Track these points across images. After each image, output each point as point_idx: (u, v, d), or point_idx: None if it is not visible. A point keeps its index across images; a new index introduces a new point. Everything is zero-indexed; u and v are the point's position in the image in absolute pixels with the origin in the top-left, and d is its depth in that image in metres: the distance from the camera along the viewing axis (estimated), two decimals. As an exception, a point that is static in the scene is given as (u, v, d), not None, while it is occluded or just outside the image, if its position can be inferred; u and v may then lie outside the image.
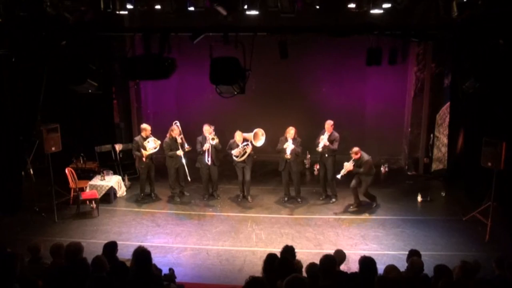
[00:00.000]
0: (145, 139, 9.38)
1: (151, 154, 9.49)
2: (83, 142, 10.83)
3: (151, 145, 9.40)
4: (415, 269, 4.82)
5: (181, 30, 6.92)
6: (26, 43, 7.00)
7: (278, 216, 8.96)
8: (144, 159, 9.41)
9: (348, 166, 8.83)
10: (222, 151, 9.76)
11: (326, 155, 9.33)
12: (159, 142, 9.45)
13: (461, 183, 9.96)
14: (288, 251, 5.21)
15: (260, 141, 9.40)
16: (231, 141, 9.45)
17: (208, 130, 9.37)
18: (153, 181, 9.86)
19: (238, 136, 9.38)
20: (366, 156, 8.84)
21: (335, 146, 9.22)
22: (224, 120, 11.71)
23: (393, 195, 9.91)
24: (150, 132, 9.48)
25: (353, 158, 8.85)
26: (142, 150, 9.35)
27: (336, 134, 9.28)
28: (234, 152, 9.35)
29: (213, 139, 9.33)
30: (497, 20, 6.48)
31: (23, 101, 8.89)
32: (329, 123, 9.26)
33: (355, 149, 8.86)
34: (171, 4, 7.07)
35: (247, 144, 9.35)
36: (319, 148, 9.30)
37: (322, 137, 9.26)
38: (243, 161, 9.39)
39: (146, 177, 9.68)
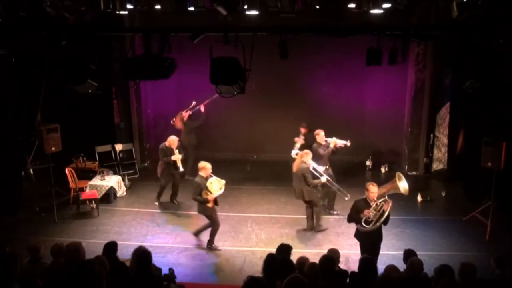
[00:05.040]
0: (206, 179, 7.58)
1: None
2: (83, 142, 10.84)
3: (216, 187, 7.55)
4: (415, 269, 4.81)
5: (181, 30, 6.91)
6: (26, 43, 7.00)
7: (278, 216, 8.95)
8: (210, 204, 7.55)
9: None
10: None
11: (327, 167, 8.96)
12: (223, 181, 7.69)
13: (461, 183, 9.96)
14: (284, 249, 5.23)
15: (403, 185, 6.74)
16: (359, 202, 6.46)
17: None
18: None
19: (373, 189, 6.41)
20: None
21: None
22: (224, 120, 11.74)
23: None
24: (211, 170, 7.68)
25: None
26: (207, 193, 7.45)
27: None
28: (370, 213, 6.30)
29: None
30: (497, 20, 6.48)
31: (23, 101, 8.89)
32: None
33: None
34: (171, 4, 7.07)
35: (385, 200, 6.42)
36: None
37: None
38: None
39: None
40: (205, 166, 7.61)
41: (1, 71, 8.26)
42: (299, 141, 9.79)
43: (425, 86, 11.12)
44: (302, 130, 9.92)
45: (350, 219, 6.52)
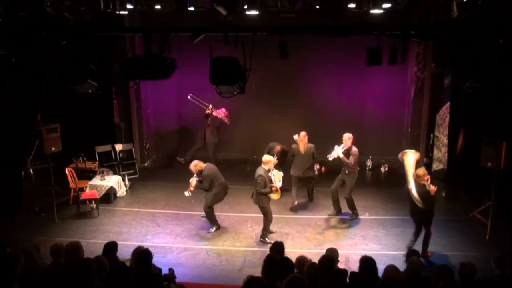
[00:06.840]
0: (268, 172, 7.90)
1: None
2: (83, 142, 10.84)
3: (277, 178, 8.04)
4: (415, 269, 4.82)
5: (181, 30, 6.90)
6: (26, 43, 7.00)
7: (278, 216, 8.93)
8: (276, 195, 7.99)
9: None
10: None
11: (347, 172, 8.54)
12: (281, 173, 8.24)
13: (461, 183, 9.96)
14: (277, 247, 5.27)
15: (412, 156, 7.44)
16: (425, 189, 6.95)
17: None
18: None
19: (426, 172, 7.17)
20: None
21: (351, 160, 8.37)
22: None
23: (393, 195, 9.90)
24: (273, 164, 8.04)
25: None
26: (272, 186, 7.82)
27: (355, 149, 8.45)
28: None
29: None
30: (497, 20, 6.48)
31: (23, 101, 8.88)
32: (347, 136, 8.47)
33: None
34: (171, 4, 7.07)
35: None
36: (330, 157, 8.49)
37: (336, 147, 8.47)
38: None
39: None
40: (270, 160, 7.96)
41: (1, 71, 8.26)
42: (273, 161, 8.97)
43: (425, 86, 11.12)
44: (277, 148, 9.77)
45: (434, 205, 7.15)
